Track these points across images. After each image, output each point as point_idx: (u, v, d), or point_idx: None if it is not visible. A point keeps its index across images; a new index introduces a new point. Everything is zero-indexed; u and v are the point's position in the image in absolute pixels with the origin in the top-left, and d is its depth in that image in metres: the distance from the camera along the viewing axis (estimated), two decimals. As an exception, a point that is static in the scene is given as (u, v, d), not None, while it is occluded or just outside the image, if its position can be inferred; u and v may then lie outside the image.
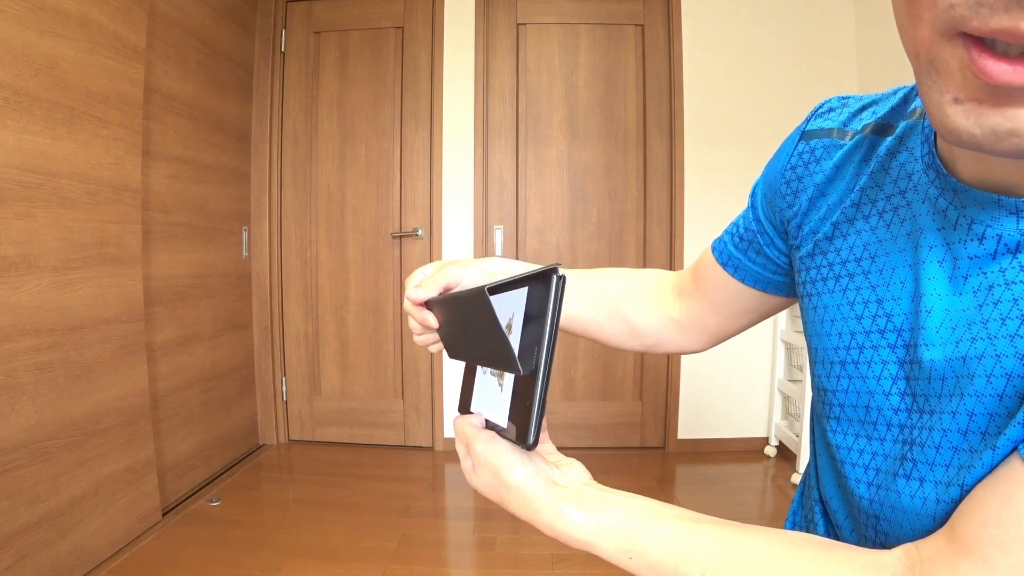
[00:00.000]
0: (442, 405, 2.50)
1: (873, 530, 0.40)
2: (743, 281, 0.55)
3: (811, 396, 0.49)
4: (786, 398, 2.37)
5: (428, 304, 0.50)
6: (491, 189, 2.48)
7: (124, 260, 1.65)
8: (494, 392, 0.43)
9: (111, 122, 1.58)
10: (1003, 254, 0.32)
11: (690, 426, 2.48)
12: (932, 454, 0.35)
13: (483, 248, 2.45)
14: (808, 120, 0.48)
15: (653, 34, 2.43)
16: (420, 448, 2.53)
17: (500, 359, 0.39)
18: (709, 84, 2.39)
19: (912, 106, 0.42)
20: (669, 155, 2.44)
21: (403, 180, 2.49)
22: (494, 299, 0.37)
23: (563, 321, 0.61)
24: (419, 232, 2.47)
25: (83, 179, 1.49)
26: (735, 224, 0.56)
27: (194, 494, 2.02)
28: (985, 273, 0.33)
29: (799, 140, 0.48)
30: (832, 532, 0.48)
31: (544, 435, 0.44)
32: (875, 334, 0.39)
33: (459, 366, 0.59)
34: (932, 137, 0.37)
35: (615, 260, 2.48)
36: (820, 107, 0.48)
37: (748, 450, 2.46)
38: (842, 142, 0.44)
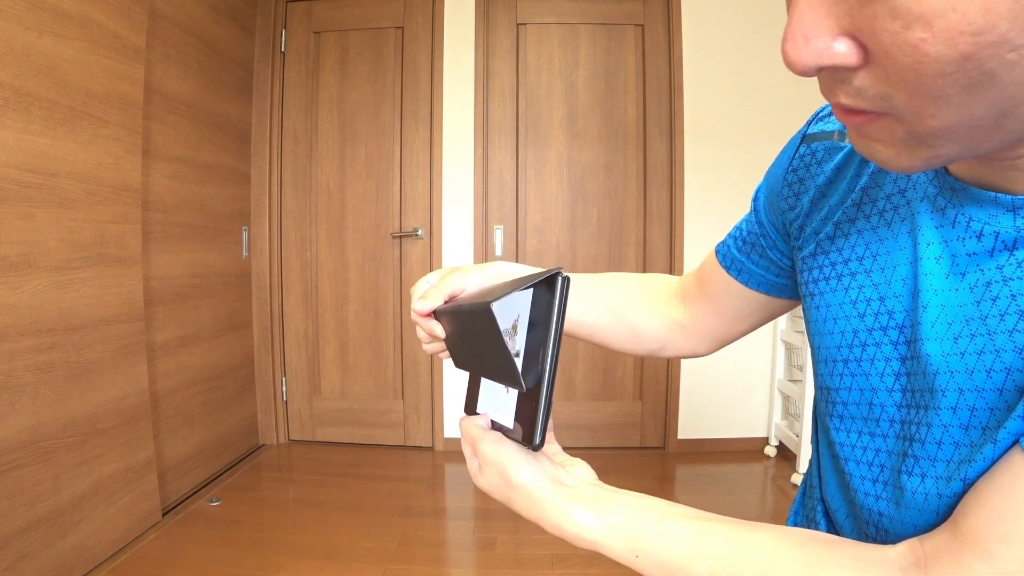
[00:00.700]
0: (442, 405, 2.50)
1: (875, 527, 0.40)
2: (746, 284, 0.56)
3: (814, 396, 0.49)
4: (786, 398, 2.37)
5: (435, 314, 0.50)
6: (491, 189, 2.48)
7: (124, 260, 1.65)
8: (500, 394, 0.43)
9: (111, 122, 1.58)
10: (1000, 251, 0.33)
11: (690, 426, 2.48)
12: (933, 449, 0.35)
13: (483, 248, 2.45)
14: (809, 124, 0.49)
15: (653, 34, 2.43)
16: (420, 448, 2.53)
17: (504, 374, 0.39)
18: (709, 84, 2.39)
19: None
20: (669, 155, 2.44)
21: (403, 180, 2.49)
22: (499, 303, 0.37)
23: (568, 325, 0.61)
24: (419, 232, 2.47)
25: (83, 179, 1.49)
26: (738, 228, 0.57)
27: (194, 494, 2.02)
28: (983, 270, 0.33)
29: (800, 143, 0.48)
30: (834, 532, 0.48)
31: (550, 435, 0.44)
32: (877, 331, 0.40)
33: None
34: None
35: (615, 260, 2.48)
36: (821, 111, 0.49)
37: (748, 450, 2.46)
38: (843, 144, 0.45)
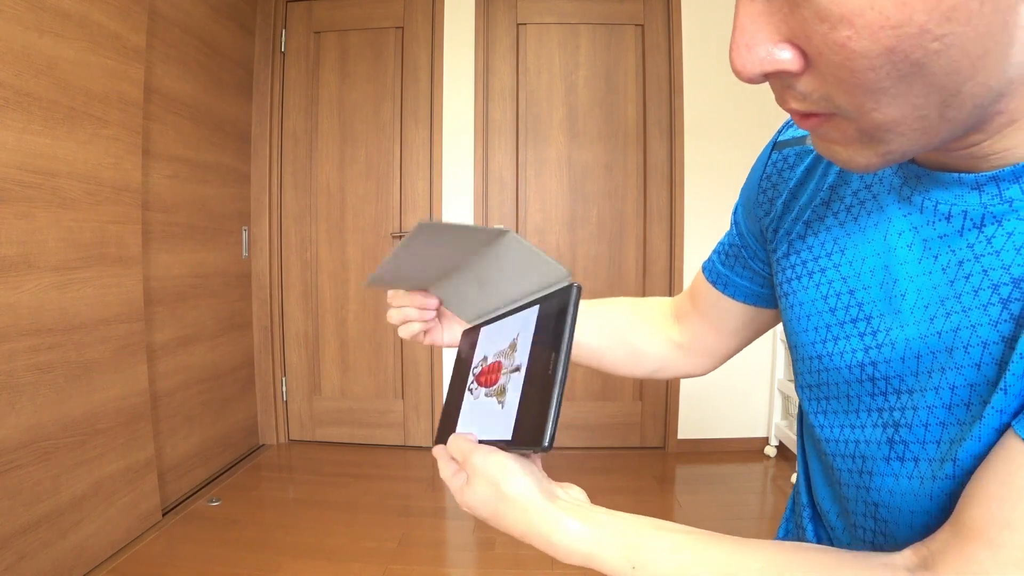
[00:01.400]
0: (442, 405, 2.50)
1: (872, 519, 0.40)
2: (733, 297, 0.57)
3: (799, 401, 0.49)
4: (786, 398, 2.37)
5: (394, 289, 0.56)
6: (491, 189, 2.48)
7: (124, 260, 1.65)
8: (491, 412, 0.42)
9: (111, 122, 1.58)
10: (969, 229, 0.33)
11: (690, 426, 2.48)
12: (921, 432, 0.35)
13: (483, 248, 2.45)
14: (780, 132, 0.50)
15: (653, 34, 2.43)
16: (420, 448, 2.53)
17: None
18: (709, 84, 2.39)
19: None
20: (669, 155, 2.44)
21: (403, 180, 2.49)
22: (499, 324, 0.43)
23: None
24: (419, 232, 2.46)
25: (83, 179, 1.49)
26: (721, 243, 0.59)
27: (194, 494, 2.02)
28: (954, 250, 0.34)
29: (772, 151, 0.50)
30: (824, 534, 0.48)
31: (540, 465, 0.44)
32: (848, 324, 0.41)
33: None
34: None
35: (615, 260, 2.48)
36: (791, 119, 0.49)
37: (748, 450, 2.46)
38: (812, 148, 0.46)
